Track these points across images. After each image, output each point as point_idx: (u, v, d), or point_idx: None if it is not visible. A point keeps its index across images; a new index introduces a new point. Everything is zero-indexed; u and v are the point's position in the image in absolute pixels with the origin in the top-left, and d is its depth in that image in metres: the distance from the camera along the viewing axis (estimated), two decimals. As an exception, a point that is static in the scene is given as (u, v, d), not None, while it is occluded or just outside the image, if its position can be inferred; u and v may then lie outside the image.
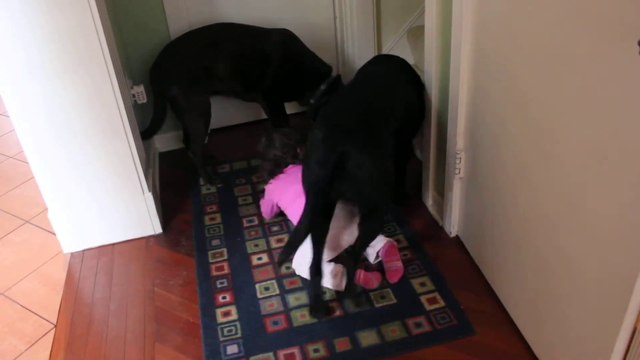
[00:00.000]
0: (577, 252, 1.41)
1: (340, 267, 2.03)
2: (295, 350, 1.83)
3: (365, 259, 2.13)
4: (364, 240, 1.93)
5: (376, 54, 2.88)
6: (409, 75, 2.26)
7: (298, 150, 2.35)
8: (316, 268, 1.94)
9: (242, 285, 2.11)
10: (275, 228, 2.39)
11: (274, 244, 2.30)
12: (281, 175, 2.34)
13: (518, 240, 1.72)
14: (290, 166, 2.34)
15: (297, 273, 2.11)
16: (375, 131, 1.81)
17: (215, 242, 2.34)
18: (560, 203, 1.45)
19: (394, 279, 2.05)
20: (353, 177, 1.72)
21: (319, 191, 1.76)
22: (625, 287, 1.23)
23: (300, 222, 1.81)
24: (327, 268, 2.02)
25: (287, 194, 2.23)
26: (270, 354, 1.83)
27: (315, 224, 1.85)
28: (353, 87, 2.13)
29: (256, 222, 2.44)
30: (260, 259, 2.23)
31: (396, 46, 3.18)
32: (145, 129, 2.68)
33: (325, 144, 1.73)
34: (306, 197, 1.81)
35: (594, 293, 1.36)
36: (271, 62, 2.66)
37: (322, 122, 1.83)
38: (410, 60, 3.21)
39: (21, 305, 2.16)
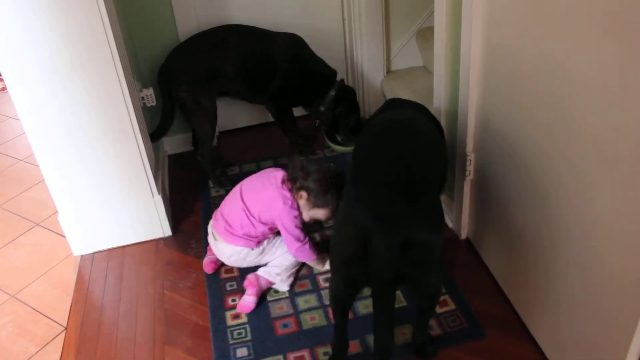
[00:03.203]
0: (589, 255, 1.39)
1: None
2: (305, 353, 1.82)
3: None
4: (426, 319, 1.70)
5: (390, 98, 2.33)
6: (433, 122, 1.93)
7: (323, 217, 2.11)
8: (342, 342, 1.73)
9: (251, 287, 2.11)
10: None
11: (283, 247, 2.30)
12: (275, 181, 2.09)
13: (529, 242, 1.71)
14: (292, 201, 2.05)
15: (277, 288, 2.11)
16: (429, 201, 1.48)
17: (224, 245, 2.34)
18: (572, 205, 1.43)
19: None
20: (420, 263, 1.43)
21: (387, 292, 1.43)
22: (638, 291, 1.22)
23: (377, 323, 1.48)
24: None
25: (250, 184, 2.17)
26: (280, 357, 1.82)
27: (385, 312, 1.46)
28: (382, 147, 1.62)
29: (265, 225, 2.44)
30: (269, 261, 2.22)
31: (405, 48, 3.18)
32: (154, 130, 2.69)
33: (384, 232, 1.34)
34: (374, 298, 1.45)
35: (607, 296, 1.35)
36: (278, 65, 2.66)
37: (363, 202, 1.42)
38: (420, 62, 3.20)
39: (32, 308, 2.17)
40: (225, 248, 2.11)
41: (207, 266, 2.20)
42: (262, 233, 2.10)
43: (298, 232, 2.04)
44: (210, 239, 2.18)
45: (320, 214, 2.08)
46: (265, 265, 2.13)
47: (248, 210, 2.07)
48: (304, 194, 2.04)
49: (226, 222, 2.10)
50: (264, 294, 2.07)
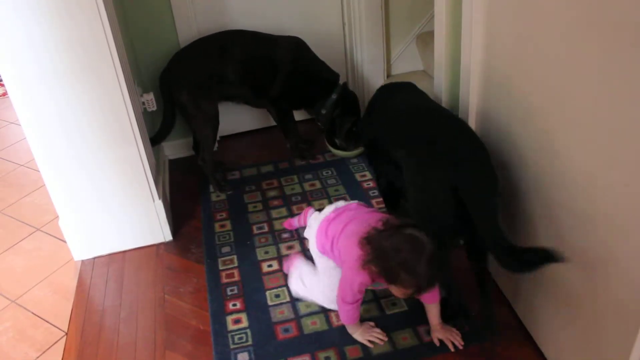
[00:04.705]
0: (591, 259, 1.39)
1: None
2: (307, 357, 1.82)
3: None
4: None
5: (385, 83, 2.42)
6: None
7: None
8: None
9: (252, 292, 2.10)
10: (285, 235, 2.39)
11: (284, 251, 2.29)
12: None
13: (530, 244, 1.70)
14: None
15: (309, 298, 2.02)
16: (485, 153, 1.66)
17: (225, 249, 2.34)
18: (572, 209, 1.43)
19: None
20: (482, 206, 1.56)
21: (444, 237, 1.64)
22: (641, 294, 1.22)
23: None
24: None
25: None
26: (281, 362, 1.82)
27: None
28: (412, 110, 1.89)
29: (266, 229, 2.43)
30: (270, 266, 2.22)
31: (405, 52, 3.18)
32: (154, 135, 2.69)
33: (441, 176, 1.56)
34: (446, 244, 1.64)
35: (610, 301, 1.35)
36: (280, 69, 2.67)
37: (443, 162, 1.61)
38: (420, 65, 3.21)
39: (32, 313, 2.17)
40: (316, 224, 2.01)
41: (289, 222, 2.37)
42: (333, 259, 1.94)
43: (347, 293, 1.77)
44: (316, 215, 2.08)
45: (393, 290, 1.71)
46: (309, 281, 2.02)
47: (337, 241, 1.88)
48: (373, 267, 1.68)
49: (344, 227, 1.88)
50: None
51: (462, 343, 1.79)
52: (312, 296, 1.99)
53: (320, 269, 1.99)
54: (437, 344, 1.81)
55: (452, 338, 1.80)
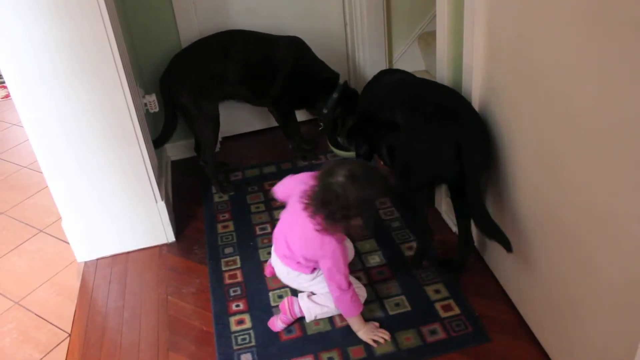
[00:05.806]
0: (594, 258, 1.39)
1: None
2: (310, 358, 1.82)
3: None
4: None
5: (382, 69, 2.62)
6: None
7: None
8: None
9: (255, 293, 2.10)
10: (287, 235, 2.39)
11: (286, 252, 2.29)
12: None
13: (533, 244, 1.70)
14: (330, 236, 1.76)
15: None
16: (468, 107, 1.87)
17: (228, 250, 2.34)
18: (576, 208, 1.43)
19: None
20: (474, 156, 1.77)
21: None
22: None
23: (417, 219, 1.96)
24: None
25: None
26: (284, 363, 1.82)
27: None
28: (410, 86, 2.10)
29: (269, 230, 2.43)
30: (273, 266, 2.22)
31: (407, 52, 3.18)
32: (157, 137, 2.69)
33: (440, 133, 1.78)
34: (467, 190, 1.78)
35: (613, 299, 1.34)
36: (280, 69, 2.66)
37: (445, 122, 1.80)
38: (422, 66, 3.21)
39: (35, 314, 2.17)
40: (281, 266, 1.96)
41: (268, 269, 2.17)
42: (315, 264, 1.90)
43: (340, 279, 1.79)
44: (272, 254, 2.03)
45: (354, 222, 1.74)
46: (312, 293, 1.97)
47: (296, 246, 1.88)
48: (331, 215, 1.69)
49: (288, 246, 1.89)
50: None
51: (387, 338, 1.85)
52: (330, 309, 1.92)
53: (318, 282, 1.95)
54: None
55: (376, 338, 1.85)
